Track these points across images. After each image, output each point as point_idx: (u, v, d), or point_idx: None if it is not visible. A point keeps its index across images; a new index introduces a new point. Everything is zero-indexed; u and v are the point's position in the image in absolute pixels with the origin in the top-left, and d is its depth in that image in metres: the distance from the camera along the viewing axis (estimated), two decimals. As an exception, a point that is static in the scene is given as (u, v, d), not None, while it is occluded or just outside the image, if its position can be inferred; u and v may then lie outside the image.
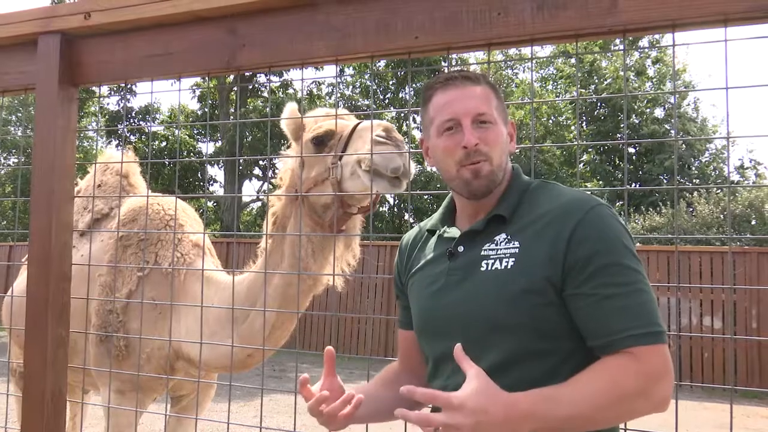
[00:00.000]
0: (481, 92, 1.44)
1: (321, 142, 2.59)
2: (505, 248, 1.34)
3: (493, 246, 1.36)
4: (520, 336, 1.29)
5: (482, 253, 1.37)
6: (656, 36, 20.43)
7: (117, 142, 23.19)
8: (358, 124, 2.57)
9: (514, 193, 1.42)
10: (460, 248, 1.42)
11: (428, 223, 1.61)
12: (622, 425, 1.38)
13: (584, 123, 21.68)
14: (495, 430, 1.15)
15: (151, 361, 2.95)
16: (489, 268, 1.34)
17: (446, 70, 1.60)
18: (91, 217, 3.56)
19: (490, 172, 1.40)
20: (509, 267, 1.32)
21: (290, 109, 2.68)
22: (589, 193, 1.38)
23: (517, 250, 1.32)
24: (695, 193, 16.19)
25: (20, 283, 3.70)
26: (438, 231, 1.54)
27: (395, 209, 22.23)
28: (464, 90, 1.44)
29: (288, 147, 2.96)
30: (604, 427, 1.25)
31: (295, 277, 2.60)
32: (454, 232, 1.49)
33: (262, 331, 2.67)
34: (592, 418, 1.21)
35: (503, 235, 1.36)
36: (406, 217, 21.48)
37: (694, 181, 20.59)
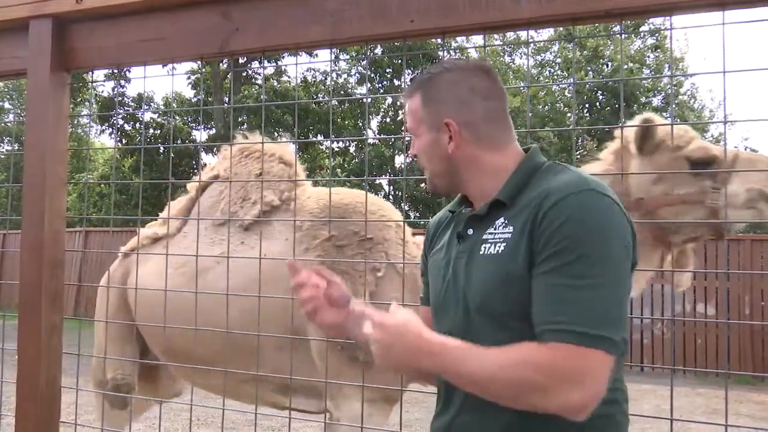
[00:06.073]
0: (410, 106, 1.48)
1: (701, 164, 2.52)
2: (501, 233, 1.33)
3: (492, 230, 1.35)
4: (498, 323, 1.29)
5: (483, 236, 1.36)
6: (656, 22, 20.45)
7: (110, 129, 23.09)
8: (738, 153, 2.56)
9: (518, 177, 1.39)
10: (470, 231, 1.42)
11: (451, 203, 1.60)
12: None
13: (585, 111, 21.62)
14: (403, 355, 1.24)
15: None
16: (485, 252, 1.34)
17: (445, 56, 1.59)
18: (259, 209, 3.23)
19: (430, 180, 1.49)
20: (500, 252, 1.30)
21: (647, 120, 2.54)
22: (591, 177, 1.30)
23: (509, 235, 1.31)
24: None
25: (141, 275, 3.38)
26: (455, 211, 1.55)
27: (390, 197, 22.23)
28: (406, 105, 1.50)
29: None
30: (496, 401, 1.23)
31: None
32: (467, 213, 1.49)
33: None
34: (485, 389, 1.21)
35: (502, 219, 1.35)
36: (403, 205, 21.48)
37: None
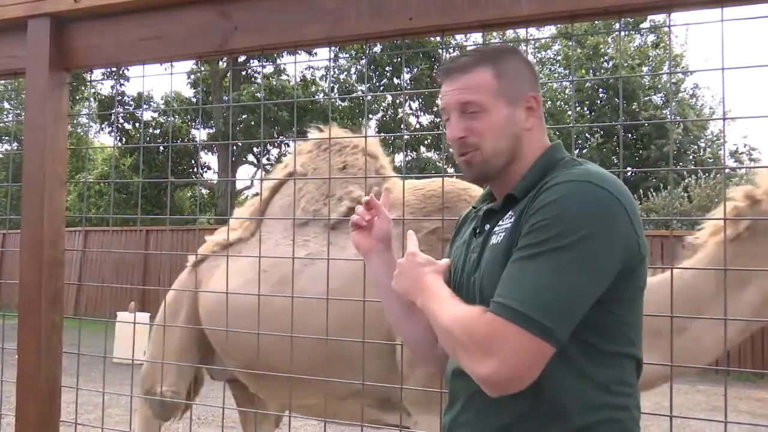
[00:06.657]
0: (472, 80, 1.37)
1: None
2: (506, 224, 1.33)
3: (501, 222, 1.35)
4: None
5: (494, 229, 1.37)
6: (656, 19, 20.43)
7: (110, 128, 23.08)
8: None
9: (534, 172, 1.37)
10: (486, 226, 1.42)
11: (476, 200, 1.60)
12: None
13: (585, 109, 21.60)
14: (407, 284, 1.42)
15: None
16: (491, 243, 1.34)
17: (443, 54, 1.59)
18: (347, 206, 2.98)
19: (482, 162, 1.38)
20: (500, 241, 1.31)
21: None
22: (601, 172, 1.27)
23: (509, 224, 1.31)
24: (691, 177, 16.19)
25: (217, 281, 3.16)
26: (478, 207, 1.54)
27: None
28: (457, 80, 1.39)
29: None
30: (447, 350, 1.31)
31: None
32: (486, 208, 1.48)
33: (714, 349, 2.34)
34: (438, 333, 1.31)
35: (510, 212, 1.35)
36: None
37: (690, 166, 20.59)
